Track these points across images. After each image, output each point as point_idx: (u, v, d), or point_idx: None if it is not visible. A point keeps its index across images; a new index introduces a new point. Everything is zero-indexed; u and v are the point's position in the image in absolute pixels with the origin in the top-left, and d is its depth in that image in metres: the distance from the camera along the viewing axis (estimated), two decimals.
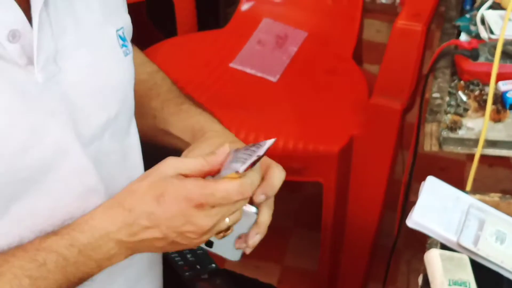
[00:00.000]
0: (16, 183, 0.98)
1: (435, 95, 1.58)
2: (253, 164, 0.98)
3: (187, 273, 1.29)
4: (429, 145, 1.54)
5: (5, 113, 0.94)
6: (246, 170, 0.97)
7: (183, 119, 1.24)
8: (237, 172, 0.96)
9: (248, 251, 1.12)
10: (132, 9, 1.21)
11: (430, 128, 1.53)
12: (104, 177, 1.07)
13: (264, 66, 2.21)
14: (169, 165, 1.00)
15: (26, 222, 1.01)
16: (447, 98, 1.58)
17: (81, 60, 1.04)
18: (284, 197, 2.59)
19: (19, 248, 0.99)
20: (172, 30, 2.43)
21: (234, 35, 2.34)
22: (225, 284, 1.28)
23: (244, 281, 1.42)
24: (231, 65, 2.23)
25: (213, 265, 1.31)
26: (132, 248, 1.02)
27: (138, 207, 0.99)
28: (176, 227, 0.99)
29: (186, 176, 0.99)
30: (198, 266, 1.31)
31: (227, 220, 1.02)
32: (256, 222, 1.09)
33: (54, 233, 1.00)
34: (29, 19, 0.96)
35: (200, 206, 0.97)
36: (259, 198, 1.07)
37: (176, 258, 1.33)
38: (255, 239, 1.10)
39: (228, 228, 1.04)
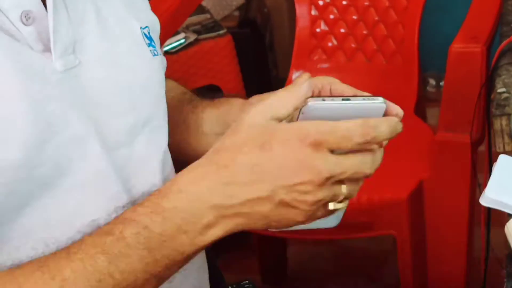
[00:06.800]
0: (29, 183, 0.83)
1: (501, 90, 1.40)
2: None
3: None
4: (502, 144, 1.35)
5: (20, 99, 0.81)
6: None
7: (217, 107, 1.10)
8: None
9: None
10: None
11: (499, 123, 1.35)
12: (130, 188, 0.93)
13: None
14: (259, 113, 0.82)
15: (38, 234, 0.86)
16: None
17: (103, 55, 0.93)
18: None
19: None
20: None
21: None
22: None
23: None
24: None
25: None
26: (231, 217, 0.83)
27: (237, 160, 0.81)
28: (287, 178, 0.80)
29: None
30: None
31: (343, 188, 0.83)
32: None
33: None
34: (44, 4, 0.86)
35: (317, 145, 0.79)
36: None
37: None
38: (398, 109, 0.88)
39: (341, 201, 0.84)
